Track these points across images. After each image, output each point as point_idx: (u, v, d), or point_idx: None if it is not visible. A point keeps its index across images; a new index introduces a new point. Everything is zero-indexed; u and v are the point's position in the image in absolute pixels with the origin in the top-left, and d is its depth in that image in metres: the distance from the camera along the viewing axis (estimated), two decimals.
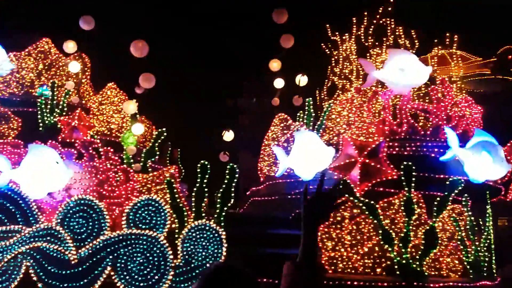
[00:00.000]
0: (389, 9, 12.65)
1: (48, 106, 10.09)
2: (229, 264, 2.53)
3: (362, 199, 8.12)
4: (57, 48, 11.18)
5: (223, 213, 8.53)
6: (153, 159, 10.21)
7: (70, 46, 10.36)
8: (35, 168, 8.25)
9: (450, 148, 9.03)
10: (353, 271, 7.93)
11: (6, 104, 10.04)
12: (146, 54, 9.76)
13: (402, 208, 8.22)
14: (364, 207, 8.02)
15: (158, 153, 10.29)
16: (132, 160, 9.81)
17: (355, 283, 7.32)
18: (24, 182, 8.30)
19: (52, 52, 11.14)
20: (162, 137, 10.35)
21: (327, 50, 13.53)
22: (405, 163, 8.36)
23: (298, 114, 10.88)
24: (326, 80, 13.36)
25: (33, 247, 7.89)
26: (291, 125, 10.55)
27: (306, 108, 10.67)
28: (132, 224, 8.43)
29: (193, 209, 8.71)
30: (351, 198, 8.13)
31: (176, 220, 8.42)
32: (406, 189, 8.29)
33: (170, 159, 11.95)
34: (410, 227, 8.17)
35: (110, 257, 7.98)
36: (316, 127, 10.48)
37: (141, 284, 7.96)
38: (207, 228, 8.32)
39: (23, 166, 8.31)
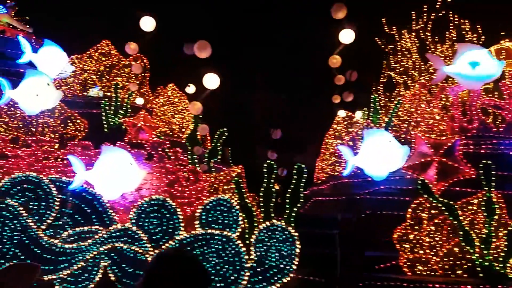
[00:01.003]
0: (449, 0, 12.29)
1: (112, 107, 10.31)
2: (176, 251, 2.58)
3: (440, 199, 7.93)
4: (117, 50, 11.43)
5: (293, 214, 8.51)
6: (215, 159, 10.28)
7: (132, 47, 10.52)
8: (109, 169, 8.41)
9: None
10: (432, 273, 7.76)
11: (71, 106, 10.30)
12: (209, 55, 9.83)
13: (482, 208, 7.98)
14: (443, 208, 7.82)
15: (220, 153, 10.36)
16: (196, 160, 9.90)
17: (437, 285, 7.16)
18: (98, 183, 8.49)
19: (112, 53, 11.37)
20: (224, 137, 10.41)
21: (382, 45, 13.31)
22: (484, 161, 8.11)
23: (362, 111, 10.73)
24: (382, 76, 13.15)
25: (110, 247, 8.07)
26: (357, 123, 10.42)
27: (372, 105, 10.51)
28: (205, 224, 8.52)
29: (262, 209, 8.73)
30: (429, 199, 7.94)
31: (245, 220, 8.46)
32: (485, 188, 8.04)
33: (222, 158, 12.03)
34: (492, 228, 7.94)
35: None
36: (384, 125, 10.31)
37: (218, 285, 8.02)
38: (279, 229, 8.31)
39: (97, 167, 8.49)
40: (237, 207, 8.44)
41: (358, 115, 11.63)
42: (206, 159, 10.12)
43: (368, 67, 13.67)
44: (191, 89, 11.69)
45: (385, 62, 13.29)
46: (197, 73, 10.19)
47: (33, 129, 9.96)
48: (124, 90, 10.80)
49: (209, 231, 8.37)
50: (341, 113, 10.44)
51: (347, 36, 10.51)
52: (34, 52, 10.91)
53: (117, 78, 11.08)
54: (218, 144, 10.42)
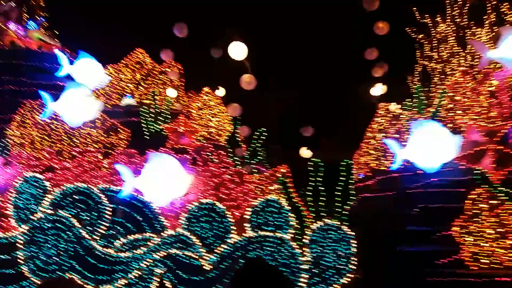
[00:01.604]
0: None
1: (151, 114, 10.41)
2: (259, 260, 2.60)
3: (500, 188, 7.69)
4: (151, 57, 11.54)
5: (345, 212, 8.39)
6: (257, 160, 10.26)
7: (166, 54, 10.60)
8: (157, 175, 8.43)
9: None
10: (498, 266, 7.52)
11: (110, 115, 10.43)
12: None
13: None
14: (505, 197, 7.58)
15: (260, 153, 10.33)
16: (239, 162, 9.89)
17: (508, 279, 6.92)
18: (147, 190, 8.52)
19: (147, 61, 11.49)
20: (263, 137, 10.38)
21: (413, 35, 13.04)
22: None
23: (405, 102, 10.54)
24: (416, 65, 12.88)
25: (164, 254, 8.09)
26: (401, 115, 10.23)
27: (415, 95, 10.31)
28: (255, 226, 8.47)
29: (312, 209, 8.64)
30: (489, 189, 7.71)
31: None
32: None
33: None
34: None
35: (241, 261, 8.04)
36: (430, 115, 10.10)
37: None
38: (333, 228, 8.19)
39: (145, 174, 8.52)
40: (288, 207, 8.37)
41: (393, 107, 11.44)
42: (248, 160, 10.10)
43: (401, 58, 13.41)
44: (220, 92, 11.71)
45: (418, 51, 13.04)
46: (229, 76, 10.21)
47: (77, 141, 10.13)
48: (162, 97, 10.91)
49: (261, 233, 8.33)
50: (392, 107, 10.23)
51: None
52: (71, 65, 11.07)
53: (153, 85, 11.20)
54: (258, 144, 10.39)
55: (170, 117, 10.61)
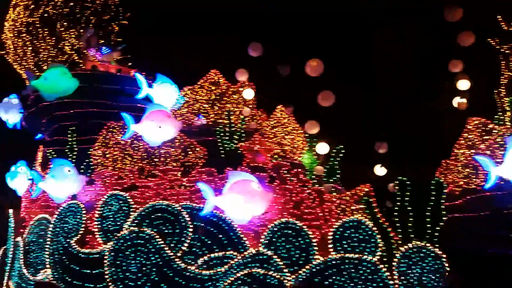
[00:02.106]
0: None
1: (227, 133, 10.59)
2: None
3: None
4: (225, 78, 11.85)
5: (436, 233, 7.91)
6: (335, 178, 10.04)
7: (242, 74, 10.84)
8: (238, 193, 8.48)
9: None
10: None
11: (187, 135, 10.74)
12: (320, 73, 9.76)
13: None
14: None
15: (338, 171, 10.11)
16: (315, 180, 9.73)
17: None
18: (228, 208, 8.59)
19: (221, 82, 11.80)
20: (340, 154, 10.17)
21: (497, 45, 12.33)
22: None
23: (496, 116, 9.91)
24: (502, 77, 12.12)
25: (247, 273, 8.04)
26: (493, 129, 9.61)
27: (509, 109, 9.67)
28: (339, 248, 8.21)
29: (400, 230, 8.22)
30: None
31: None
32: None
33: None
34: None
35: (326, 283, 7.80)
36: None
37: None
38: (424, 250, 7.75)
39: (226, 192, 8.60)
40: (374, 228, 8.05)
41: (458, 101, 10.59)
42: (326, 179, 9.91)
43: (487, 69, 12.72)
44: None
45: (503, 62, 12.28)
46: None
47: (156, 160, 10.52)
48: (237, 116, 11.10)
49: (346, 255, 8.05)
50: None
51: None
52: (149, 87, 11.62)
53: (228, 105, 11.47)
54: (336, 162, 10.18)
55: (245, 135, 10.74)
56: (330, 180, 10.00)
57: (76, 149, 11.45)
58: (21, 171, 13.05)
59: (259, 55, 10.77)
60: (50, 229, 9.80)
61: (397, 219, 8.23)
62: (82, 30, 12.94)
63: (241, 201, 8.41)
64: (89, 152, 10.98)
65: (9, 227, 11.79)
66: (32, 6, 12.44)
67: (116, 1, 14.68)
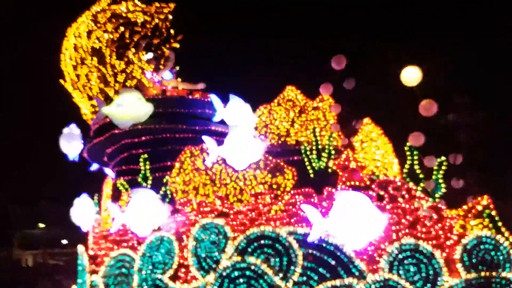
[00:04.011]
0: None
1: (314, 152, 10.43)
2: None
3: None
4: (303, 93, 11.76)
5: None
6: (440, 193, 9.72)
7: (326, 88, 10.73)
8: (348, 215, 8.22)
9: None
10: None
11: (273, 155, 10.59)
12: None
13: None
14: None
15: (442, 186, 9.79)
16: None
17: None
18: (339, 232, 8.31)
19: (300, 98, 11.70)
20: (444, 167, 9.88)
21: None
22: None
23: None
24: None
25: None
26: None
27: None
28: (470, 267, 7.87)
29: None
30: None
31: None
32: None
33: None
34: None
35: None
36: None
37: None
38: None
39: (334, 214, 8.33)
40: (506, 244, 7.71)
41: None
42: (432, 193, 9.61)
43: None
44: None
45: None
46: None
47: (241, 183, 10.36)
48: (323, 133, 10.95)
49: (476, 275, 7.70)
50: None
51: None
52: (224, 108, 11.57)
53: (308, 122, 11.33)
54: (440, 176, 9.91)
55: (334, 153, 10.56)
56: (436, 196, 9.68)
57: (150, 177, 11.37)
58: (85, 205, 13.06)
59: (342, 68, 10.69)
60: (137, 265, 9.62)
61: None
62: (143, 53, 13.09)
63: (355, 223, 8.14)
64: (166, 180, 10.88)
65: (80, 265, 11.64)
66: (96, 31, 12.63)
67: (168, 24, 14.93)
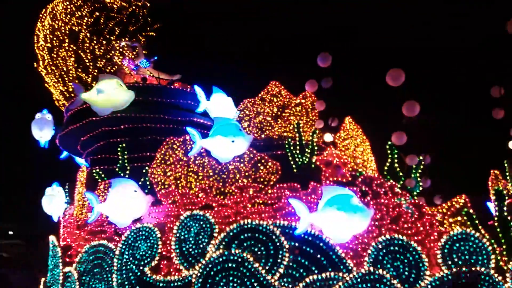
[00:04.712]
0: None
1: (297, 147, 10.53)
2: None
3: None
4: (286, 89, 11.84)
5: None
6: (417, 191, 10.12)
7: (311, 85, 10.90)
8: (335, 210, 8.41)
9: None
10: None
11: (257, 149, 10.60)
12: (401, 83, 9.97)
13: None
14: None
15: (420, 184, 10.20)
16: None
17: None
18: (326, 226, 8.50)
19: (283, 94, 11.77)
20: (421, 166, 10.28)
21: None
22: None
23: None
24: None
25: None
26: None
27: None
28: (450, 262, 8.24)
29: (503, 245, 8.35)
30: None
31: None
32: None
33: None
34: None
35: None
36: None
37: None
38: None
39: (322, 209, 8.53)
40: (485, 242, 8.13)
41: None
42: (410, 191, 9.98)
43: None
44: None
45: None
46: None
47: (224, 176, 10.32)
48: (306, 129, 11.08)
49: (463, 269, 8.05)
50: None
51: None
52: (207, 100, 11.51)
53: (291, 117, 11.45)
54: (418, 174, 10.29)
55: (317, 149, 10.71)
56: (414, 193, 10.08)
57: (128, 167, 11.13)
58: (57, 193, 12.60)
59: (328, 66, 10.89)
60: (116, 257, 9.42)
61: (501, 233, 8.37)
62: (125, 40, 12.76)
63: (342, 218, 8.35)
64: (145, 171, 10.68)
65: (52, 257, 11.25)
66: (78, 13, 12.18)
67: (145, 11, 14.61)
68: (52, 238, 11.31)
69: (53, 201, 12.08)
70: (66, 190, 12.69)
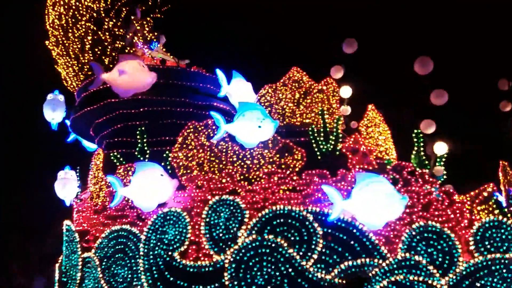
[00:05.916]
0: None
1: (321, 134, 10.53)
2: None
3: None
4: (308, 75, 11.79)
5: None
6: (441, 179, 10.25)
7: (337, 70, 10.90)
8: (369, 196, 8.49)
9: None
10: None
11: (283, 136, 10.52)
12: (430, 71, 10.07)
13: None
14: None
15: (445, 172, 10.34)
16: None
17: None
18: (359, 213, 8.56)
19: (305, 80, 11.70)
20: (445, 155, 10.42)
21: None
22: None
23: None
24: None
25: (394, 280, 8.04)
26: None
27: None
28: (482, 249, 8.41)
29: None
30: None
31: None
32: None
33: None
34: None
35: (477, 284, 7.99)
36: None
37: None
38: None
39: (355, 195, 8.59)
40: None
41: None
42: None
43: None
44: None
45: None
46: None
47: (248, 162, 10.24)
48: (331, 116, 11.08)
49: (489, 256, 8.24)
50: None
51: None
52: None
53: (313, 104, 11.41)
54: (441, 164, 10.42)
55: (341, 136, 10.73)
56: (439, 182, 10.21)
57: (148, 151, 10.94)
58: (70, 177, 12.32)
59: (354, 51, 10.89)
60: (142, 242, 9.30)
61: None
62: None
63: (377, 205, 8.42)
64: (166, 155, 10.54)
65: (68, 242, 11.04)
66: None
67: None
68: (67, 222, 11.10)
69: (67, 185, 11.82)
70: (77, 173, 12.46)
